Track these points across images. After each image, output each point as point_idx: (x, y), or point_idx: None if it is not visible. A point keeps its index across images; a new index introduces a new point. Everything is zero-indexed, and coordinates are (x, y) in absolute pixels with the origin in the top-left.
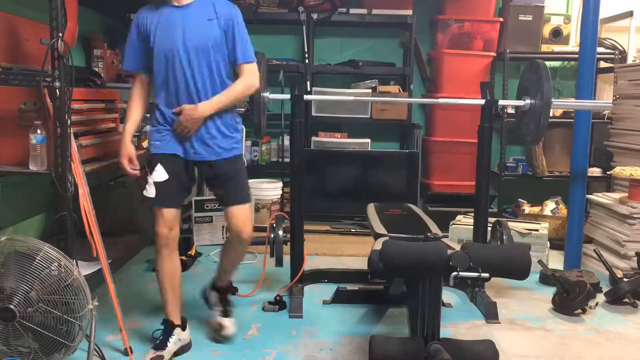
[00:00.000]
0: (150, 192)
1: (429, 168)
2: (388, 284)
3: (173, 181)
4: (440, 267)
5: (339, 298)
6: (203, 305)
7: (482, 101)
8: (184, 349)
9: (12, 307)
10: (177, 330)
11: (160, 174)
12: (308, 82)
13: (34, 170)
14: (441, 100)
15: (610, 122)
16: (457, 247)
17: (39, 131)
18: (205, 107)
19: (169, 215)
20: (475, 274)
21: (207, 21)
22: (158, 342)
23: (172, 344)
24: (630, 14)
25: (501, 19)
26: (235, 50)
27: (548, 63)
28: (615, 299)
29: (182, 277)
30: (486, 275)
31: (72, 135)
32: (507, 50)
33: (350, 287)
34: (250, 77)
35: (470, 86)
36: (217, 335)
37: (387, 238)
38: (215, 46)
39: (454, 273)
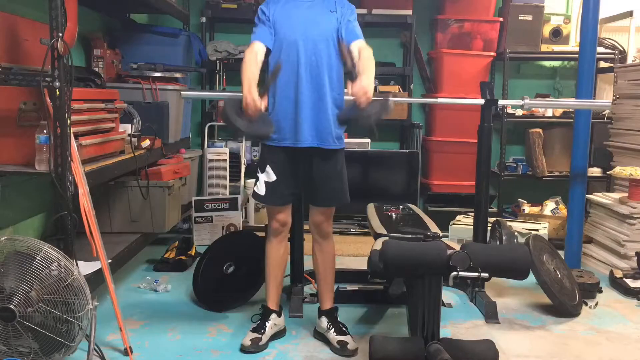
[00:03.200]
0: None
1: (429, 168)
2: (388, 284)
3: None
4: (440, 267)
5: (339, 298)
6: (198, 307)
7: (482, 101)
8: (279, 334)
9: (12, 307)
10: (273, 316)
11: (269, 175)
12: None
13: (38, 170)
14: (440, 100)
15: (610, 122)
16: (457, 247)
17: (45, 131)
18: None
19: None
20: (475, 274)
21: (330, 13)
22: (256, 325)
23: (269, 328)
24: (630, 14)
25: (501, 19)
26: (347, 30)
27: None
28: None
29: (182, 276)
30: (486, 275)
31: (72, 135)
32: (507, 50)
33: (350, 287)
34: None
35: (470, 86)
36: (343, 353)
37: (387, 238)
38: (332, 38)
39: (454, 273)
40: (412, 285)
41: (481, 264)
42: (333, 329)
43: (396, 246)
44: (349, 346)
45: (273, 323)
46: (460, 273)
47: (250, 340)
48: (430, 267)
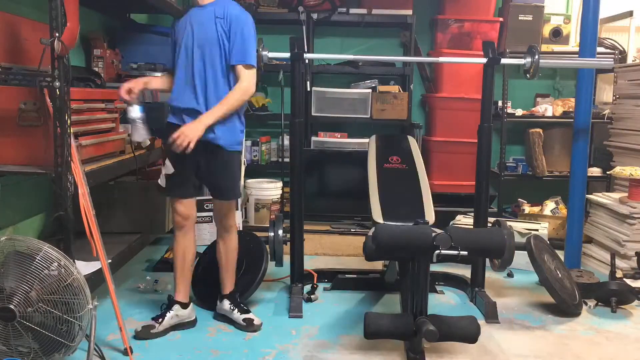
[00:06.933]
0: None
1: (429, 168)
2: (385, 269)
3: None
4: (425, 246)
5: (339, 285)
6: (198, 307)
7: (484, 60)
8: (183, 325)
9: (12, 307)
10: (176, 307)
11: (168, 167)
12: (308, 82)
13: (38, 170)
14: (441, 59)
15: (610, 122)
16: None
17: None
18: (206, 119)
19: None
20: (455, 252)
21: (215, 19)
22: (158, 314)
23: (169, 318)
24: (630, 14)
25: (501, 19)
26: (233, 49)
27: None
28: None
29: None
30: (465, 252)
31: (72, 135)
32: (507, 50)
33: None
34: (245, 81)
35: (469, 86)
36: (250, 329)
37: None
38: (215, 43)
39: (437, 251)
40: (403, 268)
41: (461, 243)
42: (236, 309)
43: (387, 229)
44: (255, 322)
45: (175, 314)
46: (442, 251)
47: (142, 327)
48: (417, 246)
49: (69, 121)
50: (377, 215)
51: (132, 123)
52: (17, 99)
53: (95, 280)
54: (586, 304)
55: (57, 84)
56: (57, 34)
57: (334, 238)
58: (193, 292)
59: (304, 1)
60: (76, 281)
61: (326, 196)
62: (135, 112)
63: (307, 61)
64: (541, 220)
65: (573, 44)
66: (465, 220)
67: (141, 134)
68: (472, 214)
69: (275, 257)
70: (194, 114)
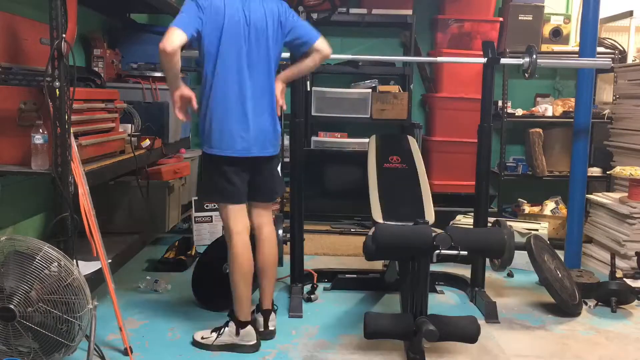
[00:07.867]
0: None
1: (429, 168)
2: (385, 269)
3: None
4: (426, 246)
5: (340, 284)
6: (198, 307)
7: (484, 60)
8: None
9: (12, 307)
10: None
11: None
12: (308, 82)
13: (34, 170)
14: (440, 59)
15: (610, 122)
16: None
17: (41, 130)
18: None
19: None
20: (454, 252)
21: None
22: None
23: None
24: (630, 13)
25: (501, 19)
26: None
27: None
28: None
29: (182, 276)
30: (465, 252)
31: (72, 135)
32: (507, 50)
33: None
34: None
35: (470, 86)
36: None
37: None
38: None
39: (437, 251)
40: (403, 268)
41: (461, 243)
42: None
43: (387, 229)
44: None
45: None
46: (442, 251)
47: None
48: (417, 246)
49: (69, 121)
50: (377, 215)
51: None
52: (17, 99)
53: (95, 280)
54: (586, 304)
55: (57, 84)
56: (63, 35)
57: (334, 238)
58: (193, 292)
59: (304, 1)
60: (76, 281)
61: (326, 196)
62: None
63: None
64: (541, 220)
65: (573, 44)
66: (465, 220)
67: None
68: (472, 214)
69: None
70: None
